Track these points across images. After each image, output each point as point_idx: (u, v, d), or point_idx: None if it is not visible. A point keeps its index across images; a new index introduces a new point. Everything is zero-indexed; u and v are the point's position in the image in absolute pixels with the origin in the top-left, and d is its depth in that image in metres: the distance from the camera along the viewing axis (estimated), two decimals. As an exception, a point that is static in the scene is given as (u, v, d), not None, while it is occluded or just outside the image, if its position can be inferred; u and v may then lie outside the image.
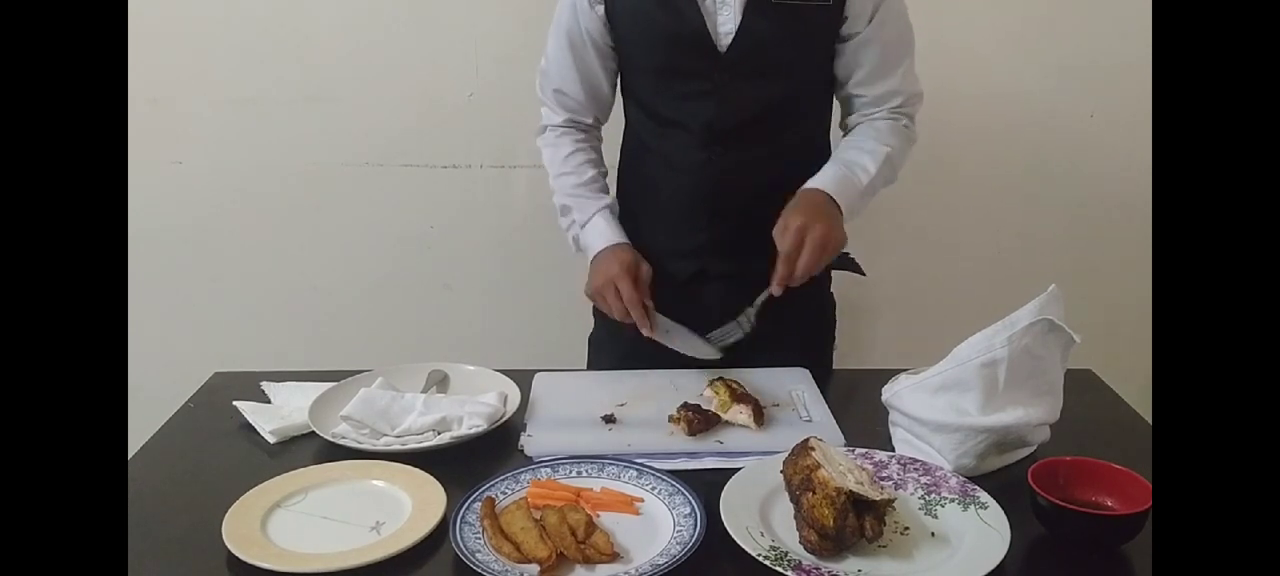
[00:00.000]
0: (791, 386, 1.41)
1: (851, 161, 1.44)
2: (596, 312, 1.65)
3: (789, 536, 1.03)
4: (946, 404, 1.17)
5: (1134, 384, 1.44)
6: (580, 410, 1.33)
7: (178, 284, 2.25)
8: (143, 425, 1.29)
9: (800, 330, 1.51)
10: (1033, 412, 1.16)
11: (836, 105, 1.56)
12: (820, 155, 1.52)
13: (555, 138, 1.55)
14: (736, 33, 1.38)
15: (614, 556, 0.99)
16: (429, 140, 2.17)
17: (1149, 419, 1.32)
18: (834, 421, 1.30)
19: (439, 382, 1.41)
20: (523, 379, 1.41)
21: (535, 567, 0.96)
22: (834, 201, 1.39)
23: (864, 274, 1.50)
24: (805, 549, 1.00)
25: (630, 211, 1.56)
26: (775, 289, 1.36)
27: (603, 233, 1.49)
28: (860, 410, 1.33)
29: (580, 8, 1.45)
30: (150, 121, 2.10)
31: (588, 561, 0.98)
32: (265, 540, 1.03)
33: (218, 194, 2.20)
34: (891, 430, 1.27)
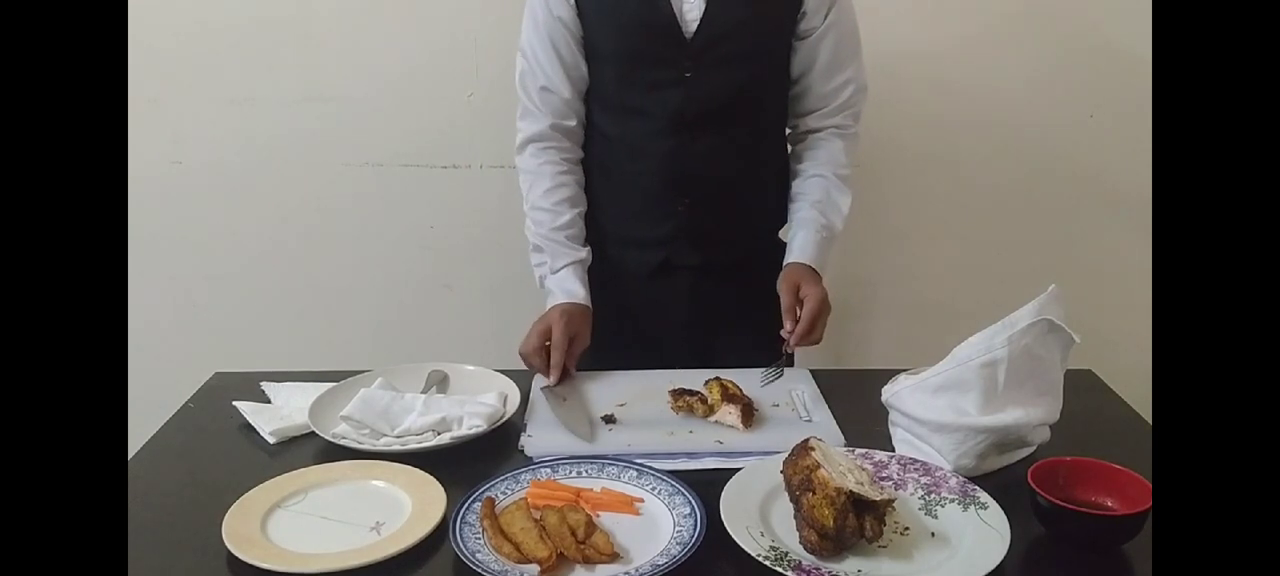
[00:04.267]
0: (791, 386, 1.41)
1: (829, 224, 1.51)
2: None
3: (789, 536, 1.03)
4: (946, 404, 1.17)
5: (1134, 384, 1.44)
6: (580, 410, 1.33)
7: (178, 284, 2.25)
8: (143, 425, 1.29)
9: (753, 321, 1.53)
10: (1033, 413, 1.16)
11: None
12: (780, 144, 1.58)
13: (536, 161, 1.52)
14: (701, 19, 1.41)
15: (614, 556, 0.99)
16: (429, 140, 2.17)
17: (1149, 419, 1.32)
18: (834, 421, 1.30)
19: (439, 383, 1.41)
20: (523, 379, 1.41)
21: (535, 568, 0.96)
22: (816, 272, 1.49)
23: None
24: (805, 549, 1.00)
25: (593, 203, 1.56)
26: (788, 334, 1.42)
27: (566, 288, 1.48)
28: (860, 410, 1.33)
29: (552, 1, 1.46)
30: (150, 121, 2.10)
31: (588, 561, 0.98)
32: (265, 540, 1.03)
33: (218, 194, 2.20)
34: (891, 430, 1.27)
